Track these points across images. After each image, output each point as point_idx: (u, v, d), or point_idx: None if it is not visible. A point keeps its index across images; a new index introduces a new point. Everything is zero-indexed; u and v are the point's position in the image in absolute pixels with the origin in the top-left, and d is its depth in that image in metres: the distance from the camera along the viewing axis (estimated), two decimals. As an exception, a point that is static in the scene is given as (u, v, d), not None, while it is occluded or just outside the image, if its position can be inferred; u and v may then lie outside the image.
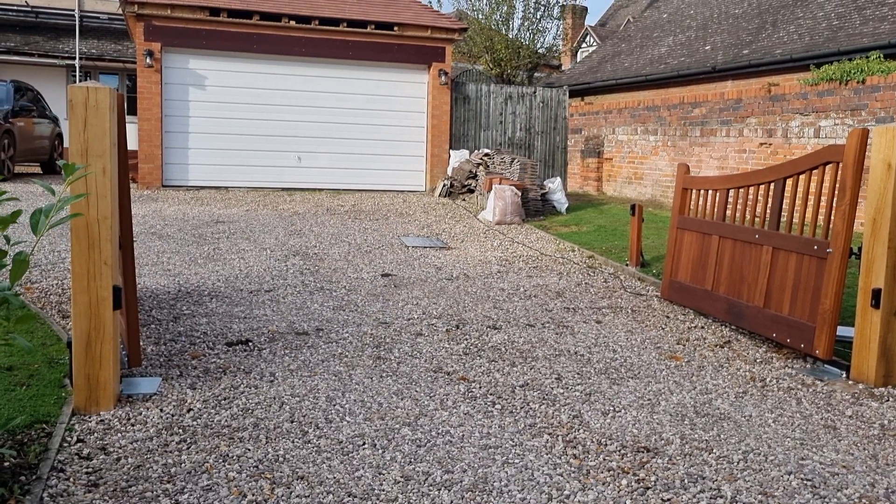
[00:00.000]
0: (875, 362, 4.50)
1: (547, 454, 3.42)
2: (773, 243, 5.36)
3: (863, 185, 4.84)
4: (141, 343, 4.31)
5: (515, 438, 3.58)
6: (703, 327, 5.87)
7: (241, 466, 3.17)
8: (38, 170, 16.08)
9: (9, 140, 13.18)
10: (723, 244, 5.94)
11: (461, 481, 3.11)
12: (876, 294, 4.47)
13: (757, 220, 5.68)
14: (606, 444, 3.55)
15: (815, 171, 5.18)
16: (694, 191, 6.54)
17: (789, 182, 5.44)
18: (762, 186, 5.71)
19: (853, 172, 4.73)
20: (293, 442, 3.44)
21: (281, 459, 3.26)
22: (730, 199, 6.07)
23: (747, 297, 5.55)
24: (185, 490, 2.95)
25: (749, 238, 5.61)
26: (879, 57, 10.88)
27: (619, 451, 3.48)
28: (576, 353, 5.05)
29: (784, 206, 5.48)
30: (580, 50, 31.15)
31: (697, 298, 6.17)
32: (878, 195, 4.51)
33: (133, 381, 4.09)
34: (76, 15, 20.98)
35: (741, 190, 5.95)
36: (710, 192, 6.30)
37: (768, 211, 5.54)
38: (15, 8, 21.41)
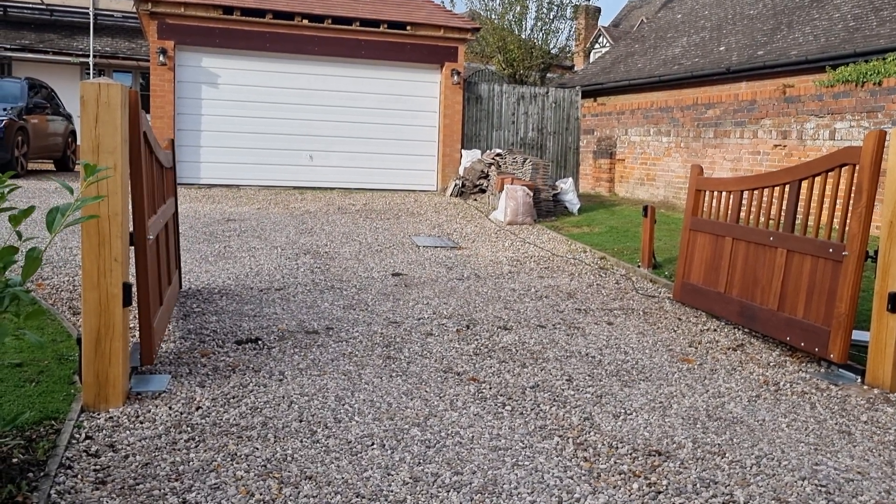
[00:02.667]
0: (891, 367, 4.44)
1: (557, 456, 3.38)
2: (787, 246, 5.30)
3: (879, 188, 4.77)
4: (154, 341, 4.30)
5: (525, 440, 3.55)
6: (715, 330, 5.81)
7: (249, 465, 3.15)
8: (51, 167, 16.16)
9: (22, 137, 13.24)
10: (736, 246, 5.88)
11: (470, 483, 3.09)
12: (892, 298, 4.40)
13: (771, 222, 5.62)
14: (617, 448, 3.51)
15: (830, 174, 5.12)
16: (707, 192, 6.48)
17: (804, 184, 5.38)
18: (777, 188, 5.66)
19: (870, 175, 4.67)
20: (301, 441, 3.42)
21: (289, 459, 3.24)
22: (744, 201, 6.01)
23: (761, 300, 5.49)
24: (193, 488, 2.93)
25: (763, 240, 5.55)
26: (896, 58, 10.77)
27: (631, 454, 3.44)
28: (587, 354, 5.01)
29: (799, 209, 5.42)
30: (593, 50, 31.06)
31: (710, 301, 6.11)
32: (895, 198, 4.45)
33: (142, 378, 4.08)
34: (90, 13, 21.09)
35: (755, 192, 5.89)
36: (723, 193, 6.24)
37: (783, 213, 5.48)
38: (30, 6, 21.54)
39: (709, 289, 6.14)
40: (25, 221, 2.71)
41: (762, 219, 5.72)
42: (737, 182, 6.18)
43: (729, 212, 6.12)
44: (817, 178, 5.26)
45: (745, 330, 5.80)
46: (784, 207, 5.48)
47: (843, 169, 5.00)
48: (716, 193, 6.35)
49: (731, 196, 6.12)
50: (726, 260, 5.96)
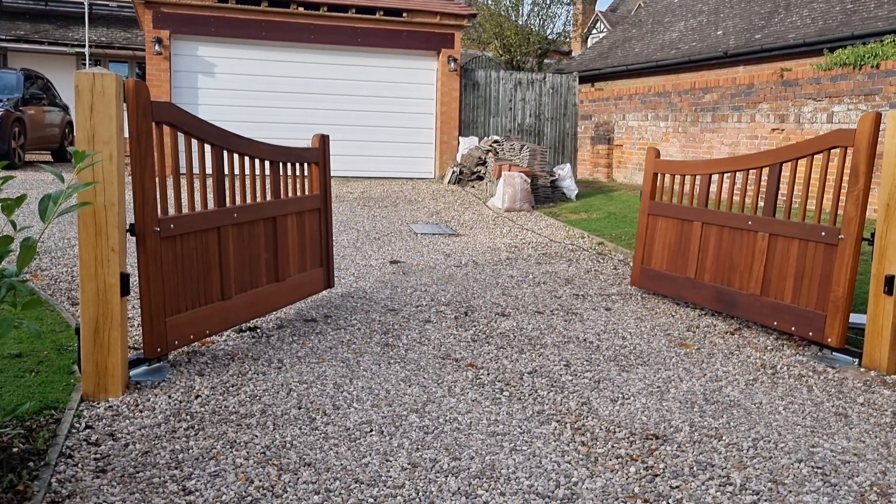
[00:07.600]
0: (888, 350, 4.45)
1: (555, 441, 3.40)
2: (770, 230, 5.22)
3: (875, 171, 4.77)
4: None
5: (523, 425, 3.57)
6: (713, 315, 5.83)
7: (248, 453, 3.17)
8: (48, 158, 16.12)
9: (19, 128, 13.20)
10: (707, 230, 5.74)
11: (468, 468, 3.10)
12: (889, 281, 4.41)
13: (748, 205, 5.48)
14: (615, 432, 3.53)
15: (818, 156, 5.06)
16: (667, 176, 6.28)
17: (787, 167, 5.29)
18: (752, 172, 5.52)
19: (866, 157, 4.66)
20: (300, 428, 3.44)
21: (288, 446, 3.25)
22: (713, 185, 5.86)
23: (740, 285, 5.42)
24: (193, 476, 2.95)
25: (741, 224, 5.44)
26: (894, 41, 10.74)
27: (628, 438, 3.46)
28: (585, 340, 5.03)
29: (781, 193, 5.39)
30: (590, 36, 30.95)
31: (678, 286, 5.97)
32: (892, 180, 4.44)
33: (141, 367, 4.08)
34: (85, 3, 20.95)
35: (727, 175, 5.74)
36: (686, 177, 6.07)
37: (760, 197, 5.38)
38: (24, -4, 21.43)
39: (676, 274, 6.00)
40: (24, 213, 2.71)
41: (737, 202, 5.60)
42: (705, 165, 6.00)
43: (696, 196, 5.98)
44: (802, 161, 5.21)
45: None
46: (765, 191, 5.35)
47: (833, 152, 4.96)
48: (678, 177, 6.16)
49: (699, 179, 5.98)
50: (695, 245, 5.83)
